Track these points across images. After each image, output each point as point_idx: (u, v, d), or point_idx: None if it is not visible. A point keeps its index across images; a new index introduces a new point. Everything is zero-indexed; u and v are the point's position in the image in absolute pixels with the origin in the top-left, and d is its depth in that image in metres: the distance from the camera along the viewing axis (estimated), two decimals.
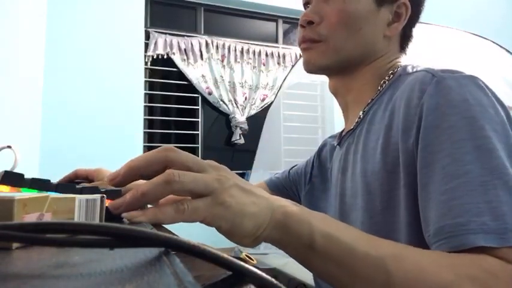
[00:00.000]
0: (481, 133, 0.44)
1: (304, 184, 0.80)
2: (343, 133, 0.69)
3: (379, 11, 0.61)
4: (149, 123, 3.39)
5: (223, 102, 3.50)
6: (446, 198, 0.42)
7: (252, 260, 1.93)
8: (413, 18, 0.64)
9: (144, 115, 3.29)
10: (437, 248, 0.42)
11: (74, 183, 0.68)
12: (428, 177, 0.45)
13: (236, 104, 3.53)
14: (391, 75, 0.62)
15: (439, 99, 0.47)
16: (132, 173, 0.38)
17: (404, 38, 0.66)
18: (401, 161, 0.50)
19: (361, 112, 0.63)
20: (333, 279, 0.40)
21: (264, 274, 0.22)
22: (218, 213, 0.36)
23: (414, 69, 0.58)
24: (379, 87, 0.62)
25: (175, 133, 3.51)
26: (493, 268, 0.37)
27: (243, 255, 1.90)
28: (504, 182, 0.41)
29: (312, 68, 0.64)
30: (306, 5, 0.68)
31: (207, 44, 3.51)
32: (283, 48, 3.84)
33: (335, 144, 0.71)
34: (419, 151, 0.47)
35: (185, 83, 3.47)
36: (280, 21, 3.96)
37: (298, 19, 0.65)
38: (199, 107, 3.56)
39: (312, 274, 0.56)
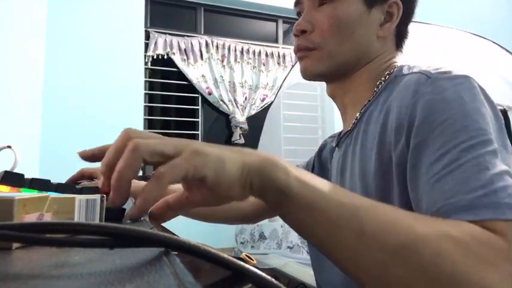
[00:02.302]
0: (476, 126, 0.44)
1: None
2: (341, 134, 0.69)
3: (370, 13, 0.61)
4: (149, 123, 3.38)
5: (223, 102, 3.50)
6: (435, 180, 0.42)
7: (252, 260, 1.93)
8: (407, 16, 0.64)
9: (144, 115, 3.29)
10: None
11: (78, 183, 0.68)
12: (418, 166, 0.45)
13: (236, 104, 3.53)
14: (387, 76, 0.62)
15: (433, 97, 0.47)
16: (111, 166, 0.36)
17: (399, 37, 0.66)
18: (394, 160, 0.50)
19: (358, 113, 0.63)
20: (307, 228, 0.38)
21: (264, 274, 0.22)
22: (199, 162, 0.35)
23: (410, 71, 0.58)
24: (375, 88, 0.62)
25: (175, 133, 3.51)
26: (478, 234, 0.36)
27: (243, 255, 1.90)
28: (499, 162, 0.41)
29: (309, 76, 0.65)
30: (298, 14, 0.68)
31: (207, 44, 3.51)
32: (283, 48, 3.84)
33: (333, 145, 0.72)
34: (412, 148, 0.47)
35: (185, 83, 3.47)
36: (280, 21, 3.96)
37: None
38: (199, 107, 3.56)
39: (311, 274, 0.56)
